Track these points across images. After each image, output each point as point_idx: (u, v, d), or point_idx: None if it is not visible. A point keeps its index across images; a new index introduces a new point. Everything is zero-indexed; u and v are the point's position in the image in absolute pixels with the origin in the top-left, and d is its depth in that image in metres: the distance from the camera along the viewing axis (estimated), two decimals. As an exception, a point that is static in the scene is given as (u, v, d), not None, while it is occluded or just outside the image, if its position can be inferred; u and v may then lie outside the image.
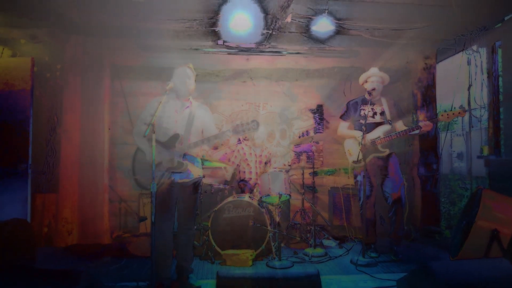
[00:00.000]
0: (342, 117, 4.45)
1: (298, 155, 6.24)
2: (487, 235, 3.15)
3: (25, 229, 3.47)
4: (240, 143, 5.54)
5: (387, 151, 4.09)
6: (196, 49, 5.16)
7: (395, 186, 4.06)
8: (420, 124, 3.87)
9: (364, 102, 4.23)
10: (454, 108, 3.97)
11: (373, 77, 4.23)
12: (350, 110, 4.37)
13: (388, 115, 4.17)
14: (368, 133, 4.11)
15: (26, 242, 3.42)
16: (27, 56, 4.48)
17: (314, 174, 5.11)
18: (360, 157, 3.98)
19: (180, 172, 3.17)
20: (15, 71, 4.37)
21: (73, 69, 4.89)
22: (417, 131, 3.94)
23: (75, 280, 2.41)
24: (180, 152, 3.14)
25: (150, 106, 3.21)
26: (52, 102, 4.90)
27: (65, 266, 3.88)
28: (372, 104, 4.20)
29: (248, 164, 5.13)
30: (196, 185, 3.32)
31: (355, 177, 4.33)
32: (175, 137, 3.15)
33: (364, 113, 4.12)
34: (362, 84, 4.34)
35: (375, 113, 4.23)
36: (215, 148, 3.39)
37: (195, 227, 3.57)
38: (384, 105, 4.21)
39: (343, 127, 4.43)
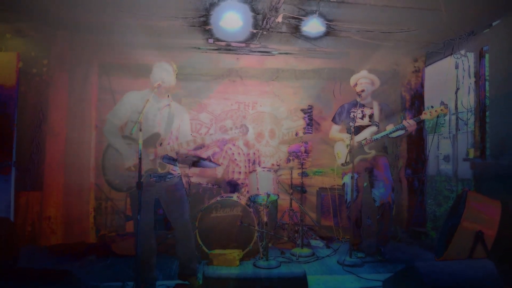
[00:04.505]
0: (334, 120, 4.47)
1: (287, 155, 6.24)
2: (472, 236, 3.19)
3: (8, 228, 3.39)
4: (227, 143, 5.51)
5: (373, 153, 4.11)
6: (186, 48, 5.12)
7: (385, 190, 4.08)
8: (404, 123, 3.87)
9: (356, 105, 4.22)
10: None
11: (362, 79, 4.26)
12: (341, 114, 4.38)
13: (377, 117, 4.19)
14: (356, 135, 4.13)
15: (9, 241, 3.34)
16: (13, 51, 4.39)
17: (303, 174, 5.12)
18: (348, 159, 4.01)
19: (162, 173, 3.07)
20: (0, 66, 4.27)
21: (60, 65, 4.80)
22: (402, 132, 3.93)
23: (59, 279, 2.37)
24: (162, 153, 3.00)
25: (127, 100, 3.08)
26: (37, 98, 4.80)
27: (49, 266, 3.82)
28: (363, 106, 4.23)
29: (237, 164, 5.12)
30: (179, 181, 3.25)
31: (343, 179, 4.35)
32: (156, 136, 3.02)
33: (354, 116, 4.15)
34: (353, 86, 4.36)
35: (364, 116, 4.24)
36: (196, 149, 3.24)
37: (191, 222, 3.35)
38: (374, 108, 4.23)
39: (335, 131, 4.45)
